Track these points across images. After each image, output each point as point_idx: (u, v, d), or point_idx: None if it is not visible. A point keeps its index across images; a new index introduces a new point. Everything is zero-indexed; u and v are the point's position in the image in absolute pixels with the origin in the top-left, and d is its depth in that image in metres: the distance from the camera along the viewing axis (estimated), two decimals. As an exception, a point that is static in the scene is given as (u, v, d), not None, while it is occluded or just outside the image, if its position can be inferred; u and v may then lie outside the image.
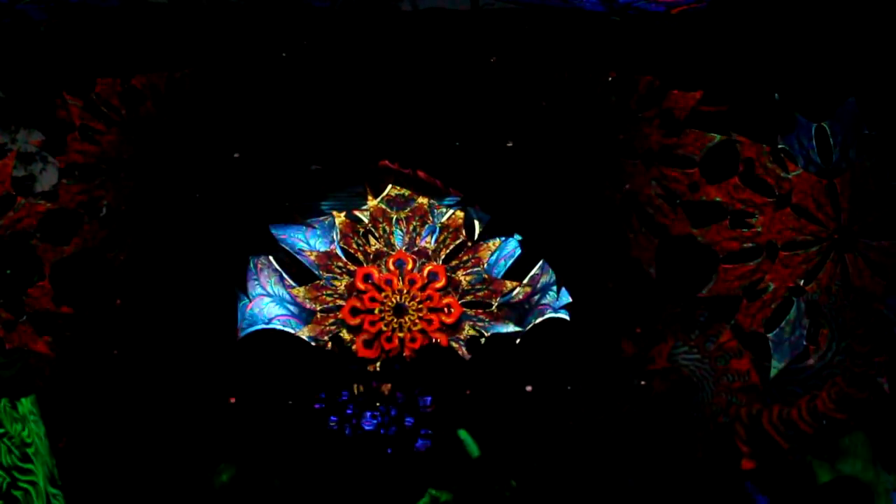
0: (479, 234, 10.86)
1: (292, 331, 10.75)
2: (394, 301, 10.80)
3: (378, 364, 10.66)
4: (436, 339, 10.71)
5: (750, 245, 9.59)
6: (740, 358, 9.69)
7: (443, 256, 10.89)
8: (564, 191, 10.00)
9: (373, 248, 10.86)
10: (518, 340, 10.70)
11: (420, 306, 10.80)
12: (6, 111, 9.37)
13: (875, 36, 8.90)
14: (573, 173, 9.97)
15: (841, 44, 8.94)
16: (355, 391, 10.32)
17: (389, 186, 10.86)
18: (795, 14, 8.88)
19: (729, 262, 9.69)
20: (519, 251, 10.77)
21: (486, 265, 10.87)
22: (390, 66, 9.70)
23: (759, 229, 9.55)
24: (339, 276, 10.82)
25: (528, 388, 10.05)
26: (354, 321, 10.75)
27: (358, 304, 10.78)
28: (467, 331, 10.80)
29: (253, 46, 9.72)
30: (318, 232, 10.82)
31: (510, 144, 9.84)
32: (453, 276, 10.87)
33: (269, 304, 10.75)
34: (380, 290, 10.80)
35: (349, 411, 10.14)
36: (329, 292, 10.80)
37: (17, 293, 9.60)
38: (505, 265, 10.88)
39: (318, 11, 9.42)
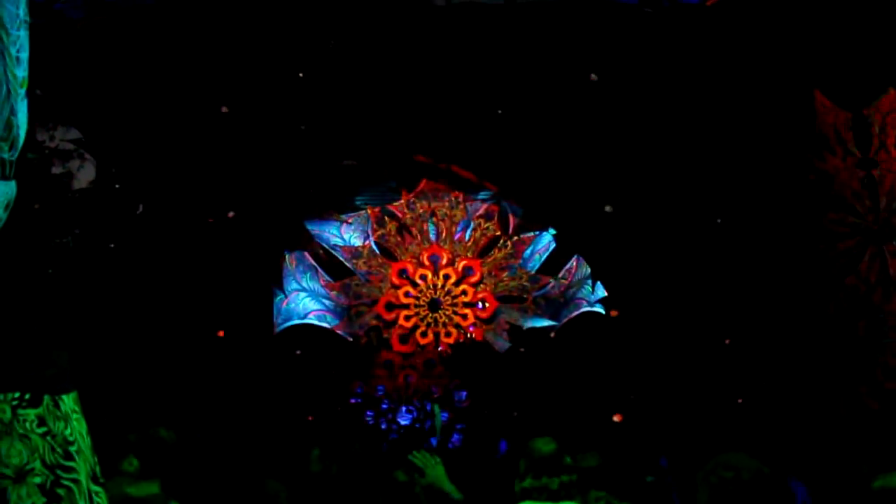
0: (514, 229, 10.83)
1: (328, 326, 10.78)
2: (429, 296, 10.80)
3: (413, 359, 10.67)
4: (471, 334, 10.70)
5: None
6: None
7: (478, 251, 10.88)
8: (601, 185, 9.99)
9: (407, 243, 10.87)
10: (553, 334, 10.66)
11: (455, 301, 10.80)
12: (44, 109, 9.46)
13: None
14: (610, 166, 9.96)
15: (878, 32, 8.84)
16: (391, 386, 10.35)
17: (424, 181, 10.85)
18: (831, 5, 8.80)
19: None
20: (553, 245, 10.73)
21: (520, 259, 10.84)
22: (424, 61, 9.70)
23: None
24: (374, 271, 10.84)
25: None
26: (389, 316, 10.77)
27: (393, 299, 10.80)
28: (502, 325, 10.78)
29: (290, 40, 9.75)
30: (353, 227, 10.84)
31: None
32: (488, 270, 10.85)
33: (304, 299, 10.79)
34: (414, 284, 10.81)
35: (385, 406, 10.17)
36: (364, 287, 10.82)
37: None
38: (540, 259, 10.85)
39: (353, 6, 9.44)
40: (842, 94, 9.28)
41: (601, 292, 10.47)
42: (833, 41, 8.98)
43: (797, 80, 9.36)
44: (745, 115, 9.57)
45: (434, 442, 9.75)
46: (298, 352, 10.10)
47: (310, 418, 9.81)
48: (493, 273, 10.85)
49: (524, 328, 10.66)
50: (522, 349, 10.47)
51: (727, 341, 9.58)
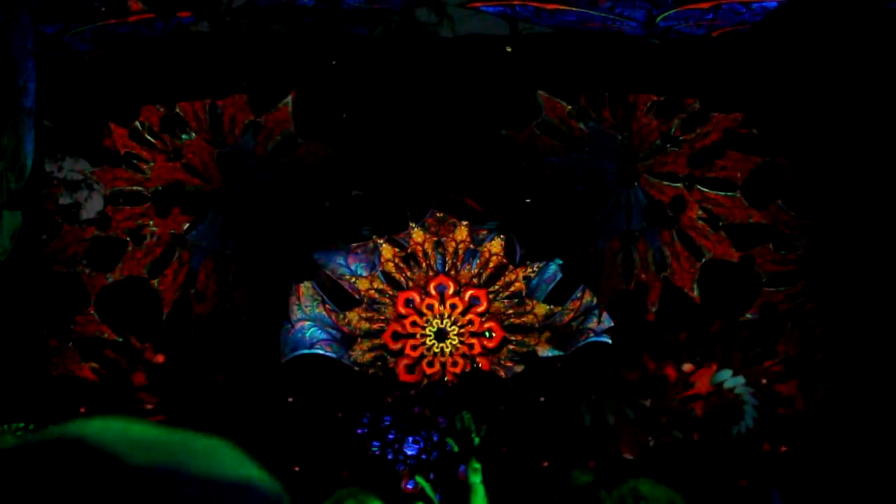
0: (520, 258, 10.82)
1: (334, 356, 10.77)
2: (435, 326, 10.80)
3: (420, 389, 10.65)
4: (477, 364, 10.69)
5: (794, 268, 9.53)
6: (785, 382, 9.61)
7: (484, 280, 10.87)
8: (602, 215, 10.01)
9: (414, 273, 10.87)
10: (560, 364, 10.63)
11: (461, 331, 10.79)
12: (53, 140, 9.52)
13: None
14: (613, 198, 9.97)
15: (880, 67, 8.87)
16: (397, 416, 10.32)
17: (430, 211, 10.87)
18: (836, 37, 8.83)
19: (772, 286, 9.63)
20: (560, 275, 10.73)
21: (527, 289, 10.83)
22: (430, 92, 9.75)
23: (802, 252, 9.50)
24: (380, 301, 10.85)
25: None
26: (396, 346, 10.76)
27: (399, 329, 10.79)
28: (509, 355, 10.77)
29: (294, 74, 9.81)
30: (360, 257, 10.85)
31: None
32: (494, 300, 10.84)
33: (311, 328, 10.79)
34: (421, 314, 10.81)
35: (391, 436, 10.14)
36: (371, 317, 10.82)
37: (65, 320, 9.74)
38: (546, 289, 10.85)
39: (357, 39, 9.50)
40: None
41: (608, 322, 10.46)
42: (841, 73, 9.02)
43: (804, 113, 9.39)
44: (752, 145, 9.60)
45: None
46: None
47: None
48: (500, 303, 10.84)
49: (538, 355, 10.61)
50: (530, 378, 10.44)
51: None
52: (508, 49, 9.33)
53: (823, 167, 9.41)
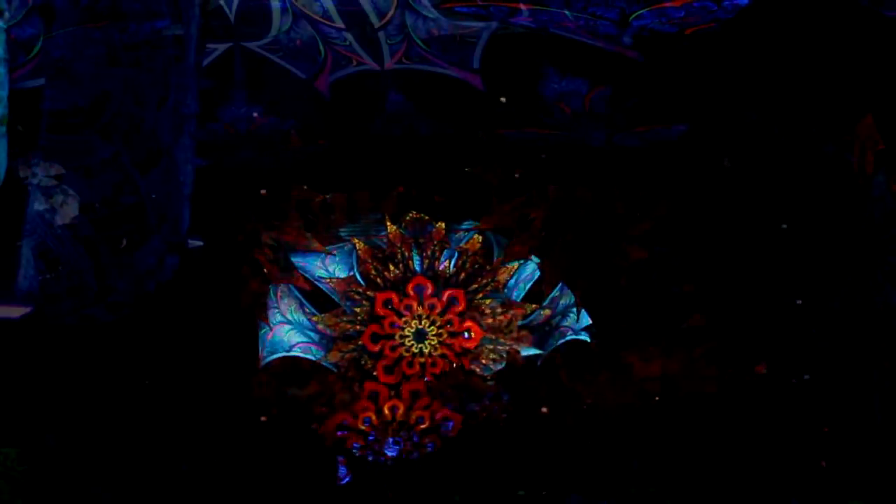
0: (498, 258, 10.84)
1: (313, 358, 10.76)
2: (414, 326, 10.80)
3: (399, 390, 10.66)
4: (456, 364, 10.70)
5: None
6: None
7: (462, 280, 10.89)
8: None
9: (392, 274, 10.88)
10: (539, 363, 10.67)
11: (440, 331, 10.80)
12: (25, 144, 9.46)
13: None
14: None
15: (851, 62, 8.95)
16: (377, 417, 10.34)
17: (407, 212, 10.88)
18: (805, 35, 8.90)
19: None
20: (537, 274, 10.76)
21: (505, 289, 10.86)
22: (405, 93, 9.76)
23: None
24: (359, 303, 10.84)
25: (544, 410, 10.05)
26: (375, 347, 10.76)
27: (378, 330, 10.79)
28: (488, 354, 10.79)
29: (265, 74, 9.80)
30: (338, 259, 10.85)
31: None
32: (473, 300, 10.86)
33: (289, 331, 10.78)
34: (400, 315, 10.82)
35: (371, 437, 10.15)
36: (349, 319, 10.82)
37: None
38: (524, 288, 10.87)
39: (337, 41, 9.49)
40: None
41: (586, 320, 10.50)
42: (809, 69, 9.08)
43: (774, 108, 9.45)
44: (722, 139, 9.66)
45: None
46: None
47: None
48: (478, 302, 10.85)
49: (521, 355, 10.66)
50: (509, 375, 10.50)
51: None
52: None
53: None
